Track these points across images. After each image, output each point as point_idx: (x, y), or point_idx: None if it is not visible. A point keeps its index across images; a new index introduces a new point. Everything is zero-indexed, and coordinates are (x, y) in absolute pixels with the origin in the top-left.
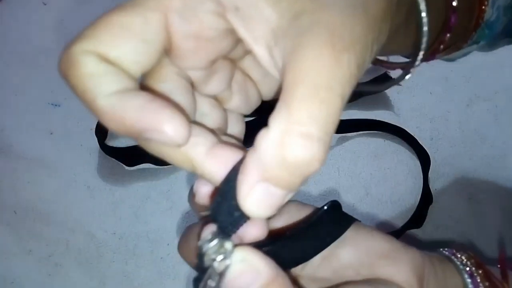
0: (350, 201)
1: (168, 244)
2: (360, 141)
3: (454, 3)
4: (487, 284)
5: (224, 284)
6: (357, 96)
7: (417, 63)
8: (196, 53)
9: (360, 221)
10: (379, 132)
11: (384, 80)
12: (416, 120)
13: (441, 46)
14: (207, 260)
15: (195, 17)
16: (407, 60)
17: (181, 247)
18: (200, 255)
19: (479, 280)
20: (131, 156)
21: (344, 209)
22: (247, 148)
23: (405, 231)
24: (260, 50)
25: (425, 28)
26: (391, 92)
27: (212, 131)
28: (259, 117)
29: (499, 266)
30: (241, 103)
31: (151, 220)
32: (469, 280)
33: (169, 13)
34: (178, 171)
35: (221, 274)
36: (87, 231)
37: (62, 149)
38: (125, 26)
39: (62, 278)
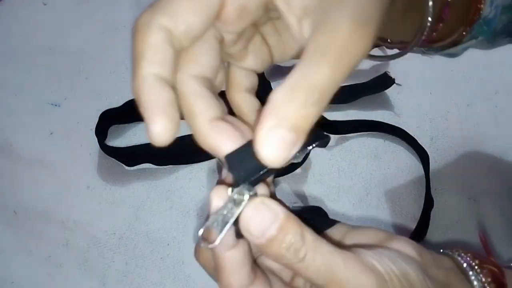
0: (350, 201)
1: (168, 244)
2: (360, 141)
3: None
4: (477, 261)
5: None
6: (357, 96)
7: (416, 42)
8: (238, 20)
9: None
10: (379, 132)
11: (384, 80)
12: (416, 120)
13: (434, 34)
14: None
15: None
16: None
17: (198, 251)
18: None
19: (468, 259)
20: (131, 156)
21: (344, 209)
22: None
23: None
24: (292, 20)
25: (430, 3)
26: (391, 92)
27: (221, 104)
28: None
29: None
30: (254, 62)
31: (151, 220)
32: (459, 258)
33: None
34: (178, 171)
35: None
36: (87, 231)
37: (62, 149)
38: (197, 1)
39: (62, 278)
